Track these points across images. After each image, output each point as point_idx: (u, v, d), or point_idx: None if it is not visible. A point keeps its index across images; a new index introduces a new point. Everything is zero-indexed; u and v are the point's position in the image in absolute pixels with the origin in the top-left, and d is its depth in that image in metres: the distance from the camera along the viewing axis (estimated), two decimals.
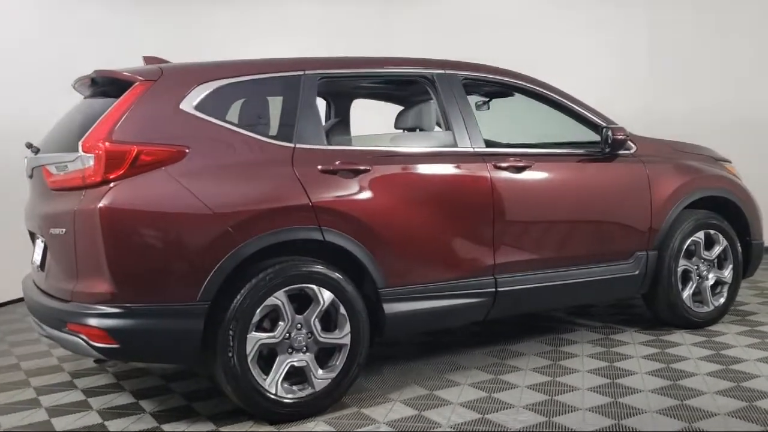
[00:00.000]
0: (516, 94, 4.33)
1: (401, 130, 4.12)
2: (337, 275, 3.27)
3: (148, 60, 3.60)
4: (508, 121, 5.24)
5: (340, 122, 4.71)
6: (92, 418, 3.32)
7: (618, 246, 4.16)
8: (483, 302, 3.74)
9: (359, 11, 7.49)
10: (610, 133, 4.05)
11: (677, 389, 3.43)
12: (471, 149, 3.76)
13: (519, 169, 3.83)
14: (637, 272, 4.22)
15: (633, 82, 7.29)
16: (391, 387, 3.63)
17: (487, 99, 4.79)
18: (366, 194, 3.39)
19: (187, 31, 6.87)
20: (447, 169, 3.66)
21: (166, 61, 3.61)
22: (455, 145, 3.75)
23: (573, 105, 4.20)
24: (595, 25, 7.37)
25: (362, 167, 3.40)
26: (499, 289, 3.76)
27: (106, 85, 3.40)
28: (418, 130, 4.01)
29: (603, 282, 4.12)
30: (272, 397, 3.14)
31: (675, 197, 4.31)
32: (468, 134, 3.78)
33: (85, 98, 3.63)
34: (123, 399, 3.57)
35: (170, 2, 6.99)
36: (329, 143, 3.60)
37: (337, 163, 3.35)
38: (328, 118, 4.86)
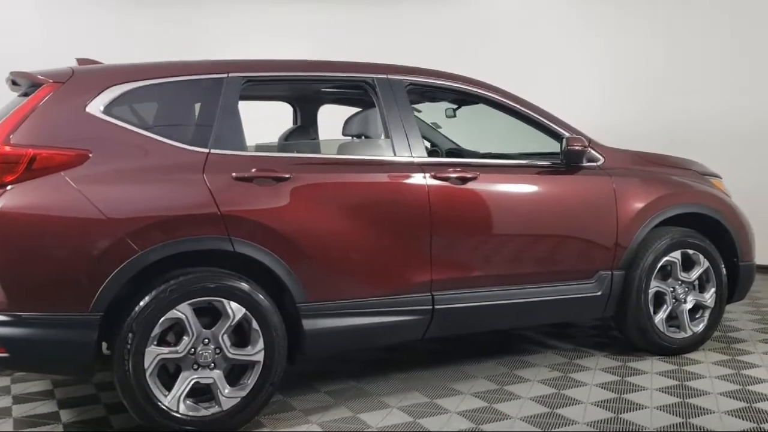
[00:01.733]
0: (475, 102, 4.11)
1: (350, 138, 3.95)
2: (246, 287, 3.11)
3: (81, 62, 3.53)
4: (485, 130, 5.04)
5: (302, 128, 4.56)
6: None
7: (578, 264, 3.88)
8: (419, 320, 3.53)
9: (367, 11, 7.38)
10: (565, 143, 3.78)
11: (617, 423, 3.15)
12: (408, 158, 3.55)
13: (462, 180, 3.60)
14: (599, 293, 3.92)
15: (634, 86, 6.94)
16: (393, 393, 3.58)
17: (456, 106, 4.58)
18: (285, 203, 3.23)
19: (181, 31, 6.86)
20: (378, 178, 3.47)
21: (99, 63, 3.53)
22: (393, 154, 3.55)
23: (533, 114, 3.95)
24: (596, 28, 7.05)
25: (282, 175, 3.24)
26: (437, 306, 3.54)
27: (27, 86, 3.34)
28: (363, 137, 3.83)
29: (559, 302, 3.85)
30: (171, 413, 3.00)
31: (645, 213, 4.00)
32: (408, 143, 3.58)
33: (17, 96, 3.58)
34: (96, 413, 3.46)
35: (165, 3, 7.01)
36: (284, 150, 3.47)
37: (253, 170, 3.20)
38: (294, 123, 4.74)
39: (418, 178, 3.51)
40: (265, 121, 4.54)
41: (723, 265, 4.21)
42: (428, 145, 5.10)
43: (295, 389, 3.67)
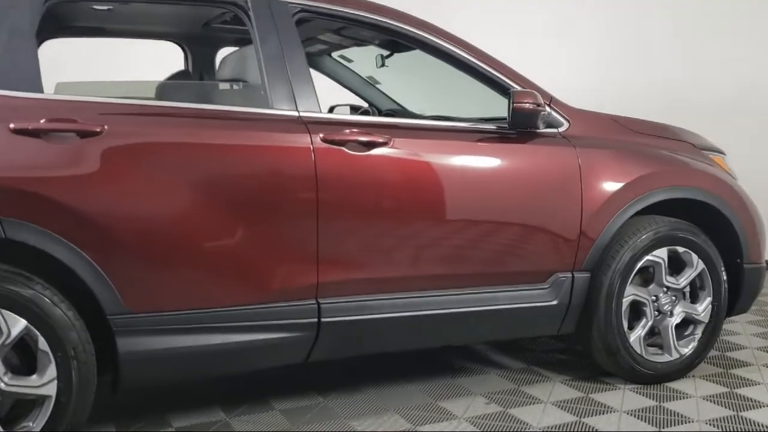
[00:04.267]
0: (405, 45, 3.09)
1: (227, 84, 2.95)
2: (29, 292, 2.14)
3: None
4: (447, 90, 4.02)
5: (185, 74, 3.54)
6: None
7: (525, 263, 2.90)
8: (298, 338, 2.56)
9: None
10: (512, 99, 2.77)
11: None
12: (288, 112, 2.55)
13: (366, 146, 2.61)
14: (555, 302, 2.94)
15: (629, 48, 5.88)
16: (364, 412, 2.84)
17: (386, 53, 3.56)
18: (91, 169, 2.25)
19: None
20: (241, 138, 2.47)
21: None
22: (268, 106, 2.55)
23: (477, 61, 2.93)
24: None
25: (89, 128, 2.25)
26: (325, 318, 2.57)
27: None
28: (241, 83, 2.83)
29: (498, 315, 2.87)
30: None
31: (621, 197, 3.00)
32: (292, 91, 2.57)
33: None
34: None
35: None
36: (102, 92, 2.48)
37: (42, 120, 2.21)
38: (187, 68, 3.72)
39: (301, 141, 2.51)
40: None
41: (723, 268, 3.21)
42: (365, 105, 4.12)
43: (245, 403, 2.85)
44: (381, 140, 2.62)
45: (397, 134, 2.68)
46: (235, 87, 2.84)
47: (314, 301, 2.55)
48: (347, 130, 2.59)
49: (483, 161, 2.82)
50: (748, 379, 3.20)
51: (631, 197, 3.01)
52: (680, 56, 5.71)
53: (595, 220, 2.95)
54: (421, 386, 3.10)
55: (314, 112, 2.60)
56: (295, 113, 2.56)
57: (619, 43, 5.76)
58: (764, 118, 5.60)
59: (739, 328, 4.03)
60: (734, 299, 3.31)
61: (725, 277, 3.23)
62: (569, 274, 2.95)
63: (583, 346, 3.19)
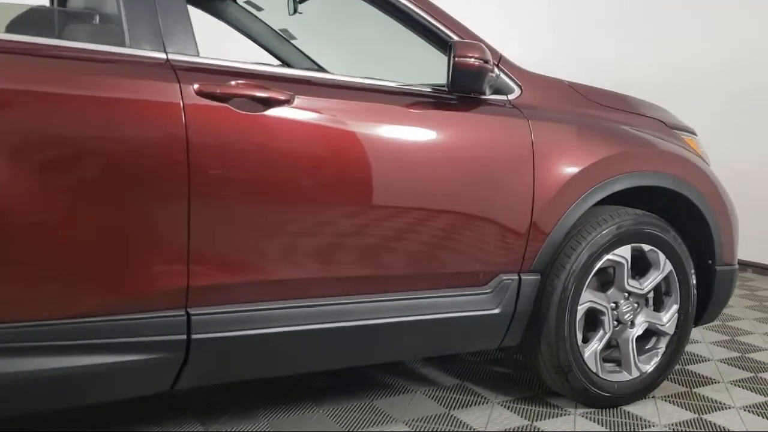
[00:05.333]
0: None
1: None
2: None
3: None
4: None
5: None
6: None
7: (463, 263, 2.30)
8: (159, 360, 1.89)
9: None
10: (452, 52, 2.15)
11: None
12: (152, 53, 1.87)
13: (260, 103, 1.95)
14: (497, 310, 2.37)
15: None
16: None
17: None
18: None
19: None
20: (72, 86, 1.76)
21: None
22: (125, 44, 1.86)
23: (412, 7, 2.29)
24: None
25: None
26: (197, 335, 1.91)
27: None
28: (97, 18, 2.12)
29: (426, 327, 2.27)
30: None
31: (581, 183, 2.44)
32: (159, 28, 1.89)
33: None
34: None
35: None
36: None
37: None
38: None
39: (166, 92, 1.83)
40: None
41: (693, 271, 2.71)
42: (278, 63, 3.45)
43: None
44: (281, 97, 1.97)
45: (302, 91, 2.03)
46: (87, 19, 2.13)
47: (183, 312, 1.89)
48: (234, 82, 1.93)
49: (414, 132, 2.20)
50: (717, 402, 2.71)
51: (593, 183, 2.45)
52: (633, 34, 5.24)
53: (550, 209, 2.38)
54: (327, 411, 2.49)
55: (189, 54, 1.92)
56: (162, 55, 1.89)
57: (571, 20, 5.25)
58: (724, 98, 5.18)
59: (697, 335, 3.58)
60: (701, 307, 2.82)
61: (695, 281, 2.72)
62: (515, 276, 2.38)
63: (530, 363, 2.64)
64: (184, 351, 1.91)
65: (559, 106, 2.51)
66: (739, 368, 3.10)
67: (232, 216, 1.92)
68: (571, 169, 2.41)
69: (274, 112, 1.96)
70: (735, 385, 2.90)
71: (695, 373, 3.03)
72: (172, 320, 1.88)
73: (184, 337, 1.90)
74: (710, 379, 2.96)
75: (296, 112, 2.00)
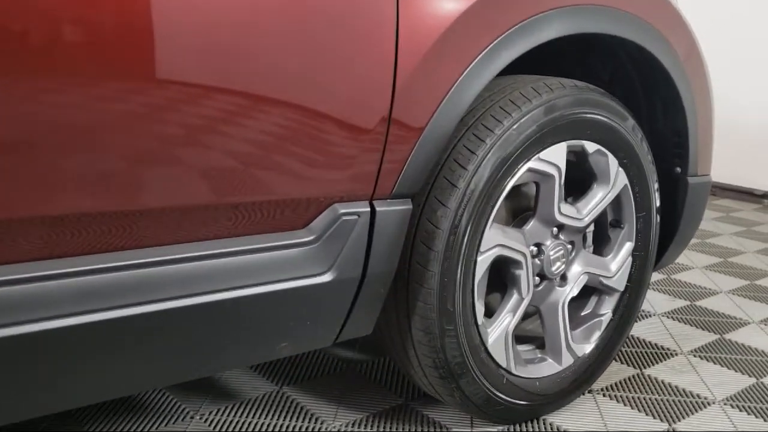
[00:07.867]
0: None
1: None
2: None
3: None
4: None
5: None
6: None
7: (260, 185, 1.06)
8: None
9: None
10: None
11: None
12: None
13: None
14: (327, 276, 1.17)
15: None
16: None
17: None
18: None
19: None
20: None
21: None
22: None
23: None
24: None
25: None
26: None
27: None
28: None
29: (183, 319, 1.04)
30: None
31: (478, 30, 1.24)
32: None
33: None
34: None
35: None
36: None
37: None
38: None
39: None
40: None
41: (657, 186, 1.63)
42: None
43: None
44: None
45: None
46: None
47: None
48: None
49: None
50: (690, 393, 1.69)
51: (498, 30, 1.27)
52: None
53: (424, 80, 1.18)
54: None
55: None
56: None
57: None
58: None
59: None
60: (668, 239, 1.77)
61: (659, 203, 1.65)
62: (364, 208, 1.18)
63: (396, 360, 1.49)
64: None
65: None
66: (694, 326, 2.13)
67: None
68: (460, 4, 1.21)
69: None
70: (698, 356, 1.91)
71: (645, 341, 2.01)
72: None
73: None
74: (666, 349, 1.96)
75: None
